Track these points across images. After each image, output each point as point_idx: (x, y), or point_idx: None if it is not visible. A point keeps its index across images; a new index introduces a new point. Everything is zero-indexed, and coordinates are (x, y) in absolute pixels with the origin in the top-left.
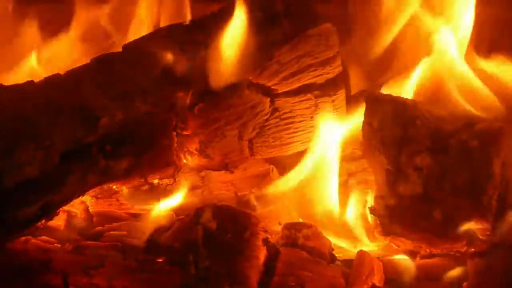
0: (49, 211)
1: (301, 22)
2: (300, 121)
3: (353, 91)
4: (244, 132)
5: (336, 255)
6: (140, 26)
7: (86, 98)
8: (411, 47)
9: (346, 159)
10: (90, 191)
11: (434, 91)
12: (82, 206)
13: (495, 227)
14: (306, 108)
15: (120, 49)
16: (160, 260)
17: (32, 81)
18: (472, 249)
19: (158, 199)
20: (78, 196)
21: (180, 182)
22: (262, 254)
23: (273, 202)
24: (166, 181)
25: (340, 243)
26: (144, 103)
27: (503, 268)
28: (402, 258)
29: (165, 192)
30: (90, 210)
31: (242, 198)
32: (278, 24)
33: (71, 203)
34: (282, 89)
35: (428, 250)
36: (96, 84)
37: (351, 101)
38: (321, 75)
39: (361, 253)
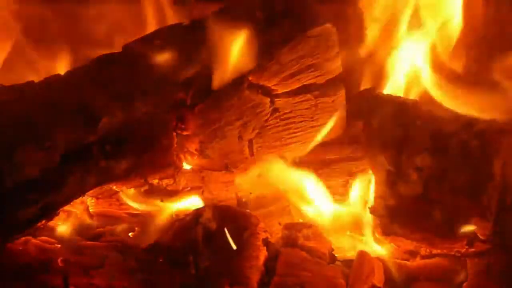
0: (49, 212)
1: (301, 23)
2: (300, 122)
3: (353, 91)
4: (244, 132)
5: (336, 255)
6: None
7: (86, 98)
8: None
9: (346, 159)
10: (90, 191)
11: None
12: (82, 206)
13: (495, 227)
14: (306, 109)
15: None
16: (160, 260)
17: (32, 81)
18: (472, 249)
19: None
20: (78, 197)
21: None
22: (262, 254)
23: (273, 202)
24: (166, 181)
25: (340, 243)
26: (144, 103)
27: (503, 268)
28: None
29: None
30: (90, 210)
31: (242, 198)
32: (278, 24)
33: (71, 203)
34: (282, 89)
35: (428, 250)
36: (96, 84)
37: (351, 101)
38: (321, 75)
39: (361, 253)
